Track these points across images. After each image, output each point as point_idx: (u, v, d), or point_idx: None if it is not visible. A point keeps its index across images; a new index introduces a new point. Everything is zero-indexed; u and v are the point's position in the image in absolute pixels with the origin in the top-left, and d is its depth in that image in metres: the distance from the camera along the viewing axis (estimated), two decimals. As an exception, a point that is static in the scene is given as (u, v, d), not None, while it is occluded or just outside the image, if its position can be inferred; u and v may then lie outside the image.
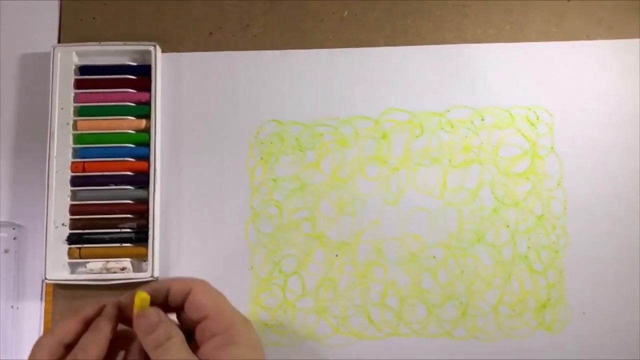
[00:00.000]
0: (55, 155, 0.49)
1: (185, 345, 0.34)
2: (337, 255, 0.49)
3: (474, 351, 0.48)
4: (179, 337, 0.34)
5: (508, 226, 0.49)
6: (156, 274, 0.48)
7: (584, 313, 0.48)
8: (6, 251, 0.49)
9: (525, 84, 0.50)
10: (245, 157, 0.50)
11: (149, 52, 0.50)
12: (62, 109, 0.49)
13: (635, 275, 0.48)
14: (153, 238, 0.48)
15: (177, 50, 0.51)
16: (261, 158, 0.50)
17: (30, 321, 0.48)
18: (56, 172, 0.48)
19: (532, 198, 0.49)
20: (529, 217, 0.49)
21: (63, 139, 0.49)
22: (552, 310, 0.48)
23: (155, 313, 0.35)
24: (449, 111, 0.50)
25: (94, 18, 0.51)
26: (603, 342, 0.47)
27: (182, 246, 0.49)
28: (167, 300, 0.36)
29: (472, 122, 0.50)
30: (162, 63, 0.50)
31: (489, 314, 0.48)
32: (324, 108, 0.50)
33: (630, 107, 0.49)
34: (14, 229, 0.49)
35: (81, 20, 0.51)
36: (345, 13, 0.51)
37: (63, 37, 0.51)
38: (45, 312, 0.48)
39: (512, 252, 0.49)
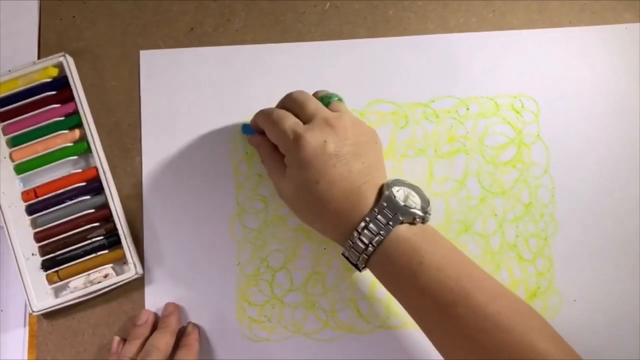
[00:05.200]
0: (3, 191, 0.48)
1: None
2: (324, 249, 0.48)
3: (464, 342, 0.47)
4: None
5: (496, 215, 0.48)
6: (140, 270, 0.47)
7: (574, 300, 0.47)
8: (-11, 253, 0.49)
9: (509, 72, 0.50)
10: (230, 153, 0.49)
11: (60, 63, 0.49)
12: None
13: (625, 261, 0.48)
14: (125, 237, 0.47)
15: (158, 47, 0.50)
16: (246, 153, 0.49)
17: (16, 323, 0.48)
18: (9, 207, 0.48)
19: (520, 186, 0.49)
20: (516, 206, 0.49)
21: (5, 174, 0.48)
22: (543, 298, 0.48)
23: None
24: (433, 101, 0.50)
25: (73, 17, 0.51)
26: (595, 329, 0.47)
27: (168, 243, 0.48)
28: None
29: (457, 111, 0.50)
30: (78, 70, 0.50)
31: (479, 304, 0.48)
32: (308, 101, 0.50)
33: (615, 93, 0.49)
34: (-4, 231, 0.49)
35: (61, 19, 0.51)
36: (327, 5, 0.51)
37: (43, 36, 0.51)
38: (30, 314, 0.48)
39: (500, 241, 0.48)
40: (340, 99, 0.45)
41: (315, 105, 0.42)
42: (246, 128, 0.48)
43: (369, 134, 0.43)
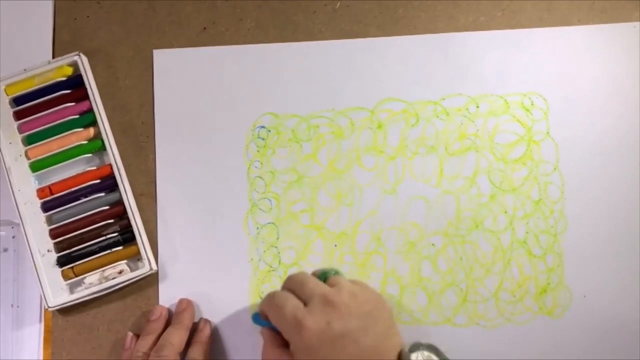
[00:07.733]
0: (18, 189, 0.49)
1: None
2: (336, 246, 0.49)
3: (475, 338, 0.48)
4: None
5: (506, 212, 0.49)
6: (154, 266, 0.48)
7: (584, 296, 0.48)
8: (5, 250, 0.49)
9: (519, 71, 0.50)
10: (242, 151, 0.50)
11: (75, 62, 0.49)
12: (10, 143, 0.49)
13: (634, 257, 0.48)
14: (139, 233, 0.48)
15: (171, 46, 0.51)
16: (258, 151, 0.50)
17: (31, 319, 0.48)
18: (24, 204, 0.49)
19: (529, 183, 0.49)
20: (526, 203, 0.49)
21: (21, 172, 0.49)
22: (553, 294, 0.48)
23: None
24: (444, 99, 0.50)
25: (88, 17, 0.52)
26: (604, 324, 0.47)
27: (182, 240, 0.49)
28: None
29: (467, 109, 0.50)
30: (92, 69, 0.50)
31: (490, 300, 0.48)
32: (319, 100, 0.50)
33: (623, 90, 0.50)
34: (12, 227, 0.49)
35: (75, 19, 0.52)
36: (338, 5, 0.51)
37: (58, 36, 0.51)
38: (45, 310, 0.48)
39: (510, 237, 0.49)
40: (337, 272, 0.44)
41: (312, 284, 0.41)
42: (256, 317, 0.45)
43: (373, 301, 0.41)
